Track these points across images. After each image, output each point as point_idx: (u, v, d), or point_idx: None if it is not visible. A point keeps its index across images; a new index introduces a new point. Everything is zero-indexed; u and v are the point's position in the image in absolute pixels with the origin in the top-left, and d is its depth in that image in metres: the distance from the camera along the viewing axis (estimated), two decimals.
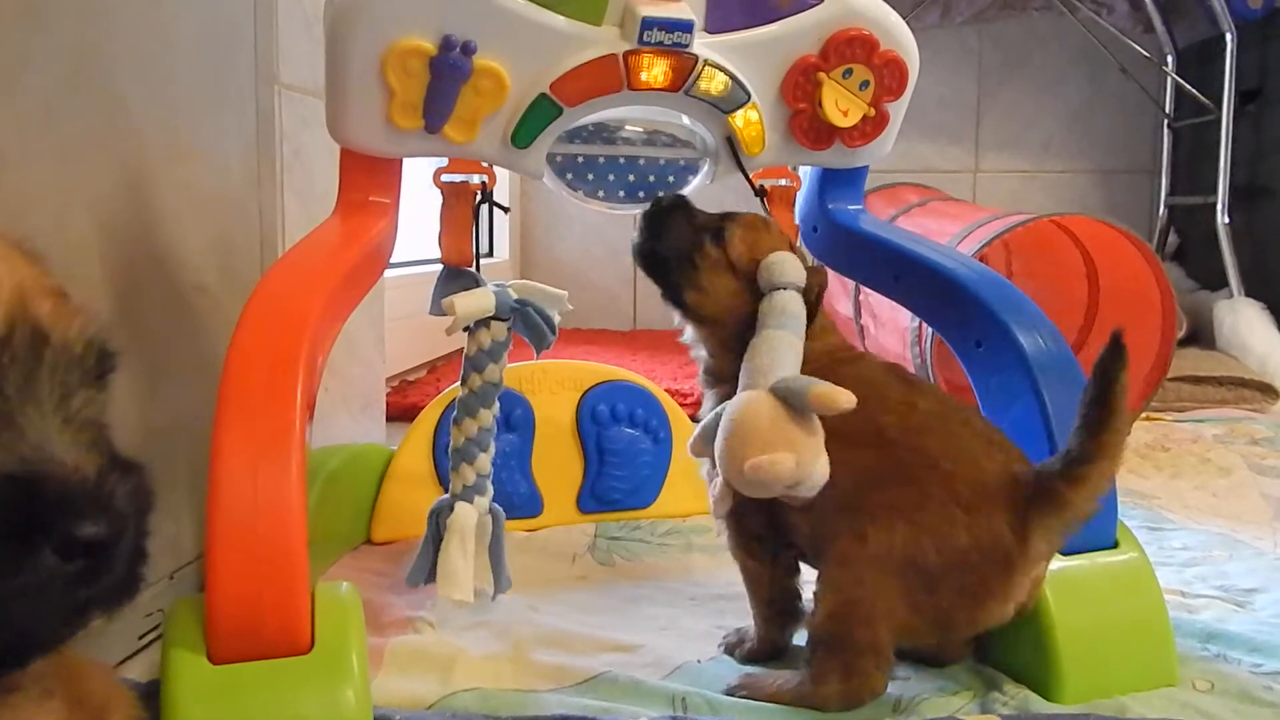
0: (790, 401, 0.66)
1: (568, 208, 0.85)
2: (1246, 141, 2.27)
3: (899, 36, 0.85)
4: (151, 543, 0.46)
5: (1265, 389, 1.86)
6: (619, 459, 1.15)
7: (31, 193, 0.67)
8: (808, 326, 0.75)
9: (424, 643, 0.80)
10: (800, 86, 0.84)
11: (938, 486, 0.69)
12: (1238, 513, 1.22)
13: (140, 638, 0.79)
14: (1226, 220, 2.23)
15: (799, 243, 0.95)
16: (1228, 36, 2.25)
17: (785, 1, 0.81)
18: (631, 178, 0.90)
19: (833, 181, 0.96)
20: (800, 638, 0.80)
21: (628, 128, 0.89)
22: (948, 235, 1.63)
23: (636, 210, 0.91)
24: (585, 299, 2.69)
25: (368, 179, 0.81)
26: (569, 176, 0.89)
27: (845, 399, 0.64)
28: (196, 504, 0.85)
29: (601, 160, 0.89)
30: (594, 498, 1.14)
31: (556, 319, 0.89)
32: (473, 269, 0.89)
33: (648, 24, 0.76)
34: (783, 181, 0.95)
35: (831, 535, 0.72)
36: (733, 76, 0.81)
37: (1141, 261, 1.50)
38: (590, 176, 0.89)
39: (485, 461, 0.89)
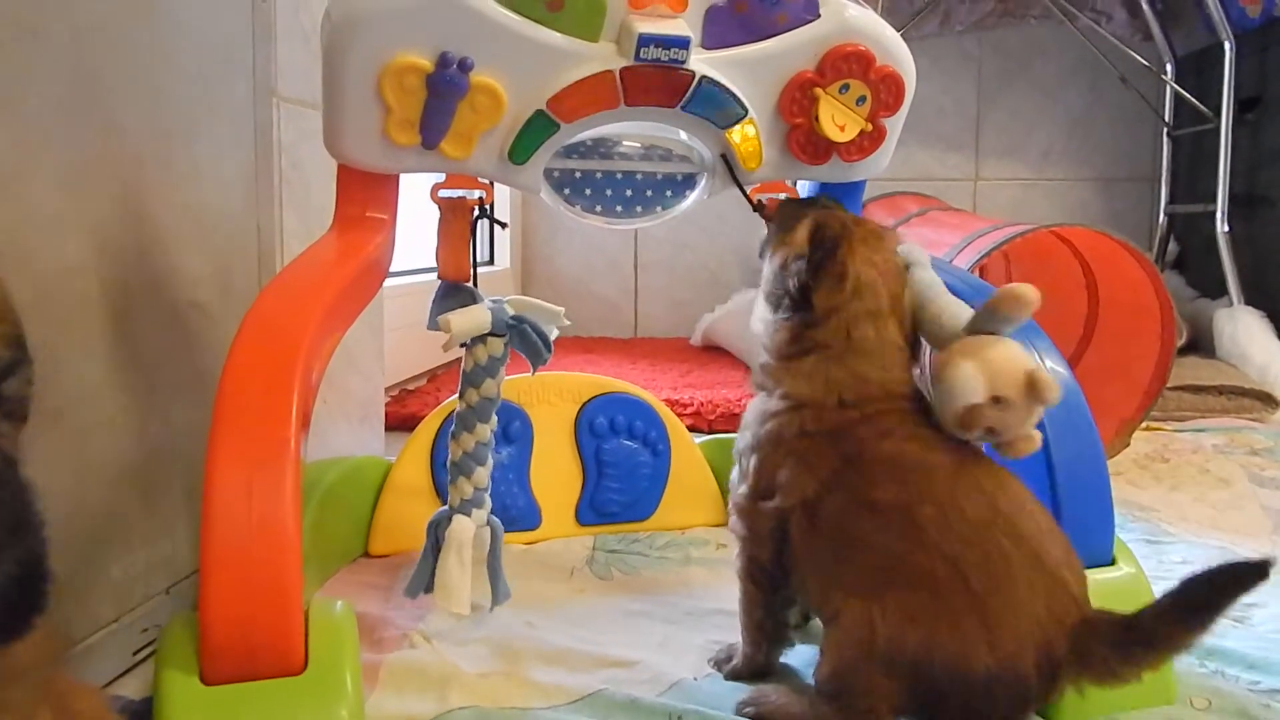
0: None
1: (567, 217, 0.86)
2: (1245, 150, 2.27)
3: (895, 52, 0.85)
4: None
5: (1265, 398, 1.85)
6: (617, 471, 1.15)
7: (29, 211, 0.67)
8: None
9: (420, 659, 0.80)
10: (797, 102, 0.84)
11: (965, 608, 0.62)
12: (1237, 525, 1.21)
13: (135, 653, 0.79)
14: (1226, 228, 2.23)
15: None
16: (1226, 45, 2.25)
17: (782, 18, 0.81)
18: (629, 193, 0.90)
19: (830, 195, 0.96)
20: (787, 657, 0.81)
21: (625, 143, 0.89)
22: (947, 245, 1.63)
23: (633, 225, 0.91)
24: (585, 307, 2.70)
25: (365, 194, 0.81)
26: (566, 192, 0.89)
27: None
28: (192, 519, 0.86)
29: (599, 175, 0.89)
30: (592, 510, 1.14)
31: (553, 335, 0.89)
32: (470, 284, 0.89)
33: (644, 41, 0.76)
34: (781, 196, 0.95)
35: (836, 611, 0.68)
36: (730, 92, 0.81)
37: (1140, 272, 1.50)
38: (588, 191, 0.89)
39: (483, 475, 0.89)
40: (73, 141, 0.71)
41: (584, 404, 1.15)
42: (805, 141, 0.86)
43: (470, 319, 0.84)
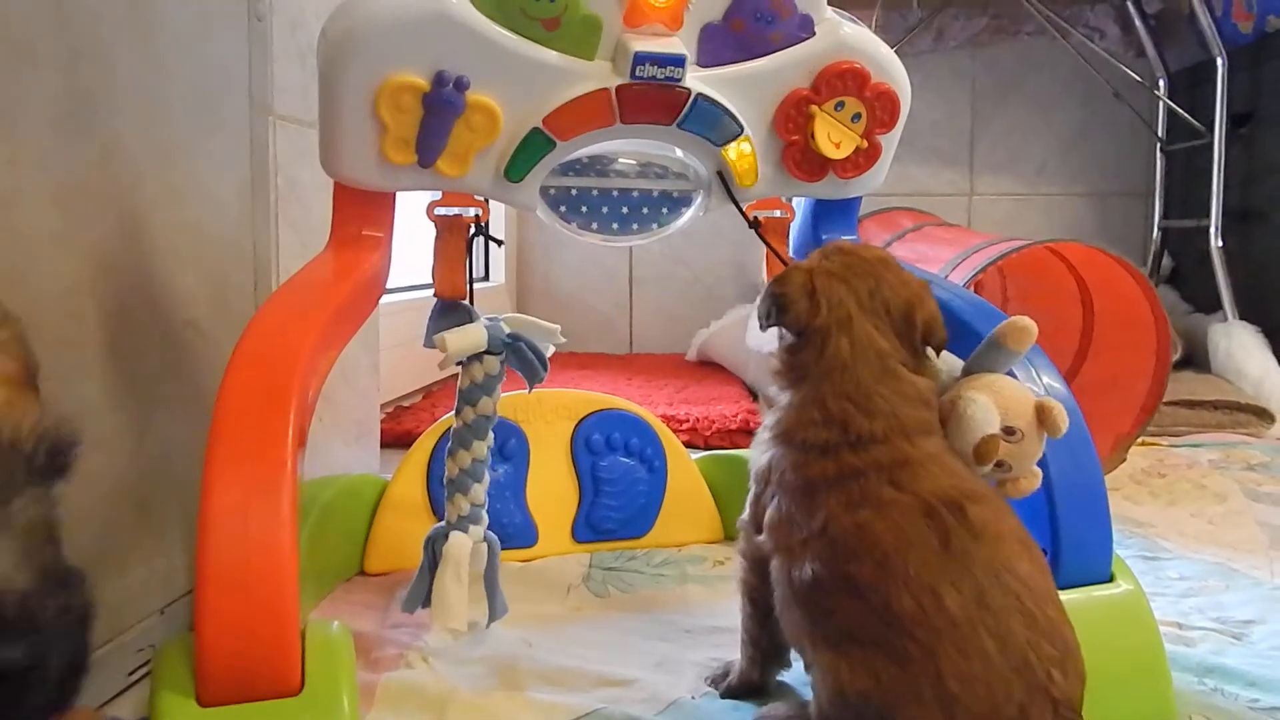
0: None
1: (563, 234, 0.86)
2: (1239, 165, 2.28)
3: (890, 69, 0.85)
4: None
5: (1260, 413, 1.86)
6: (614, 488, 1.14)
7: (25, 230, 0.67)
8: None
9: (417, 679, 0.80)
10: (792, 119, 0.84)
11: (935, 700, 0.59)
12: (1234, 541, 1.21)
13: (130, 674, 0.78)
14: (1219, 243, 2.24)
15: None
16: (1219, 61, 2.26)
17: (777, 36, 0.82)
18: (625, 210, 0.90)
19: (826, 212, 0.97)
20: (783, 676, 0.80)
21: (621, 160, 0.89)
22: (943, 260, 1.63)
23: (629, 242, 0.91)
24: (582, 323, 2.70)
25: (361, 213, 0.81)
26: (562, 209, 0.89)
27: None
28: (189, 538, 0.85)
29: (595, 193, 0.89)
30: (589, 527, 1.14)
31: (549, 353, 0.89)
32: (467, 301, 0.89)
33: (640, 59, 0.76)
34: (776, 213, 0.96)
35: (811, 659, 0.67)
36: (725, 109, 0.81)
37: (1135, 287, 1.50)
38: (584, 209, 0.90)
39: (480, 492, 0.88)
40: (68, 161, 0.71)
41: (580, 421, 1.14)
42: (801, 158, 0.86)
43: (466, 337, 0.84)
